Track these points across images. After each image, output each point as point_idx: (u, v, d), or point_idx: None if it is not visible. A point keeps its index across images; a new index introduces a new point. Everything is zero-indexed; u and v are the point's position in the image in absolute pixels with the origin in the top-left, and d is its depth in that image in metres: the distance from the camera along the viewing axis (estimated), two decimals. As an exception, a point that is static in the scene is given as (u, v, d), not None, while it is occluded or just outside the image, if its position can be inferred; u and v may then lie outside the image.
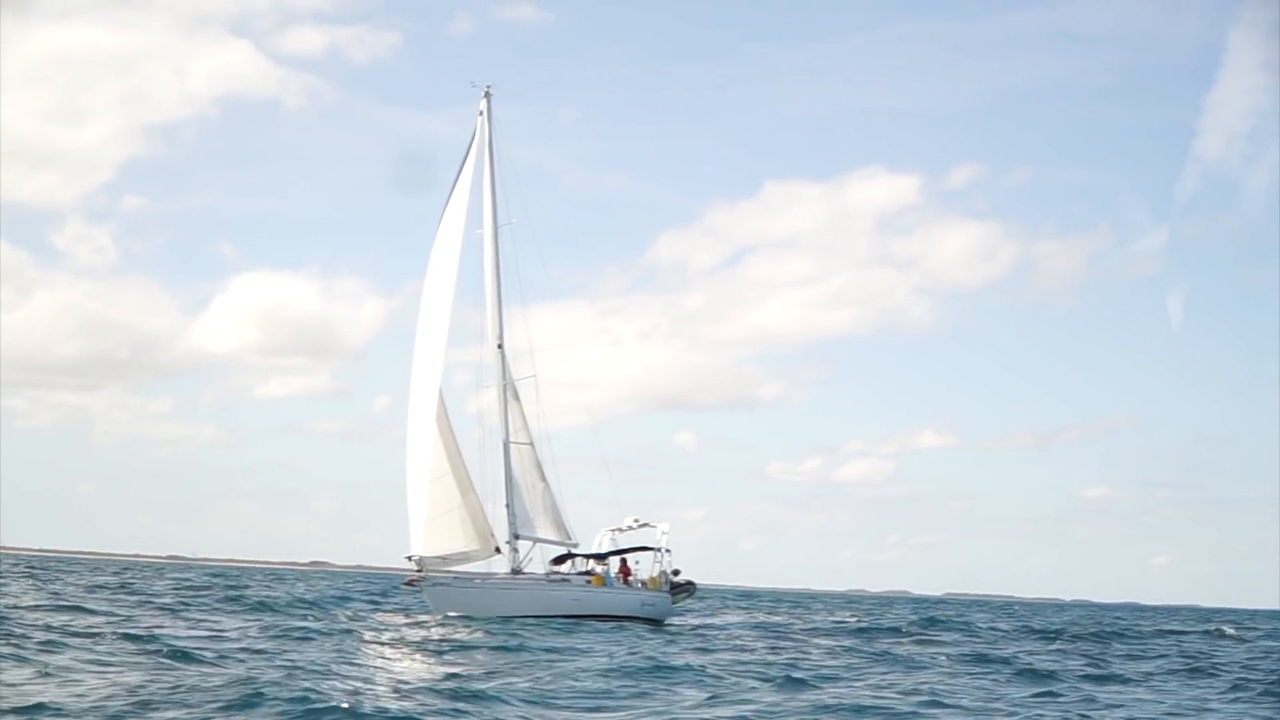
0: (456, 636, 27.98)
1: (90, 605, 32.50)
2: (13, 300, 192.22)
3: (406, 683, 17.45)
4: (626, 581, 40.79)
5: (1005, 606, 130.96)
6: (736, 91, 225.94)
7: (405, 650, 23.89)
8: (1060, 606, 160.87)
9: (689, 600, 43.94)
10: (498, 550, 39.82)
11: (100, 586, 49.90)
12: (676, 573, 41.59)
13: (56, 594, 38.99)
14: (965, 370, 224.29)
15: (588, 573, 40.35)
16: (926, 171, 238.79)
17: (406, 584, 39.16)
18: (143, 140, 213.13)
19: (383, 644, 24.88)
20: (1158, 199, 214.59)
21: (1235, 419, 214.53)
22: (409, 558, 38.13)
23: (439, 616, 36.56)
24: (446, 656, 22.75)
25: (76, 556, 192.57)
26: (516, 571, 39.94)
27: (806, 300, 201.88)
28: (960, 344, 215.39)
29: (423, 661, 21.82)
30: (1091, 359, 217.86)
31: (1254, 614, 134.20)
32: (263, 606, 37.56)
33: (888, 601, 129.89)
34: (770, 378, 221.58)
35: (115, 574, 76.88)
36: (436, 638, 27.49)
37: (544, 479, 41.21)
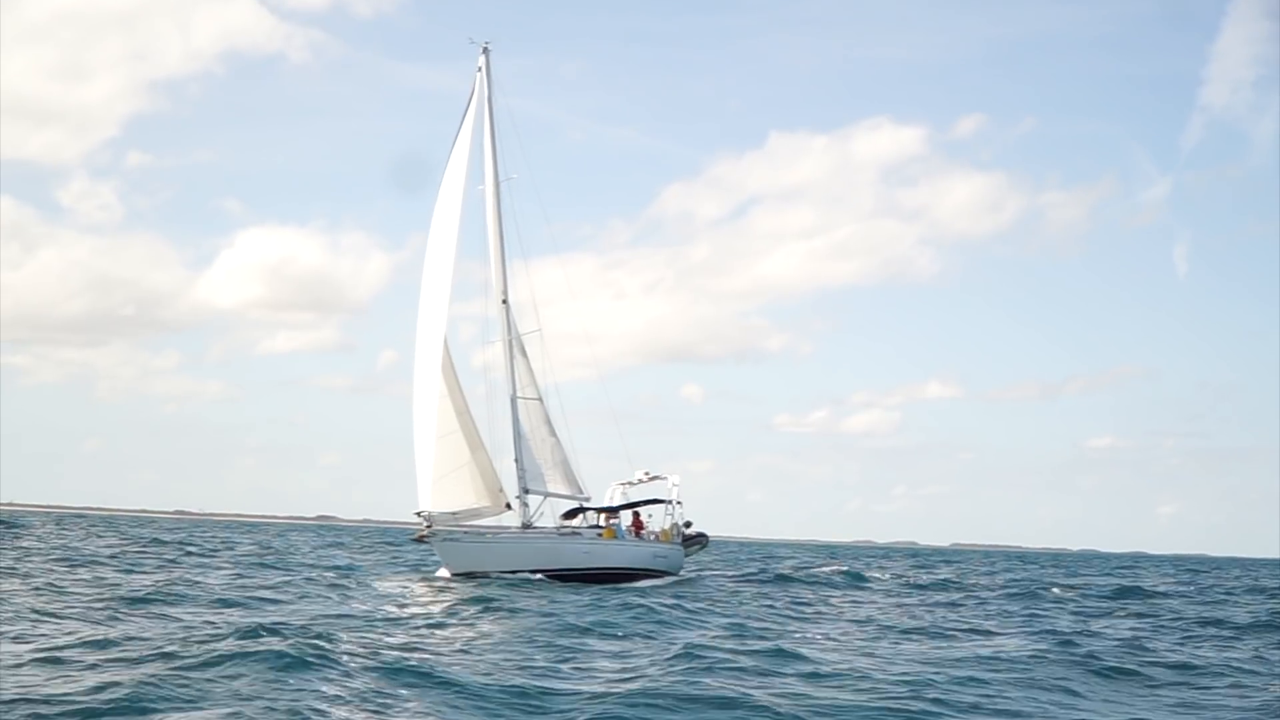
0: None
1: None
2: (18, 257, 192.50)
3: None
4: (639, 535, 40.85)
5: (1022, 556, 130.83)
6: (742, 43, 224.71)
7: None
8: (1088, 557, 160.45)
9: (701, 552, 44.07)
10: (508, 506, 39.80)
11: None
12: (689, 525, 41.68)
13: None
14: (971, 321, 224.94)
15: (598, 526, 40.41)
16: (932, 122, 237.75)
17: (416, 540, 39.18)
18: (147, 96, 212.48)
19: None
20: (1163, 149, 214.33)
21: (1241, 368, 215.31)
22: (419, 513, 38.07)
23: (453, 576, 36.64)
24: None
25: (83, 512, 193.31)
26: (527, 526, 39.97)
27: (812, 251, 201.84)
28: (966, 294, 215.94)
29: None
30: (1097, 309, 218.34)
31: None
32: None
33: (941, 555, 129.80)
34: (776, 329, 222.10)
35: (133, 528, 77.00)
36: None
37: (553, 434, 41.15)
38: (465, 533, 38.85)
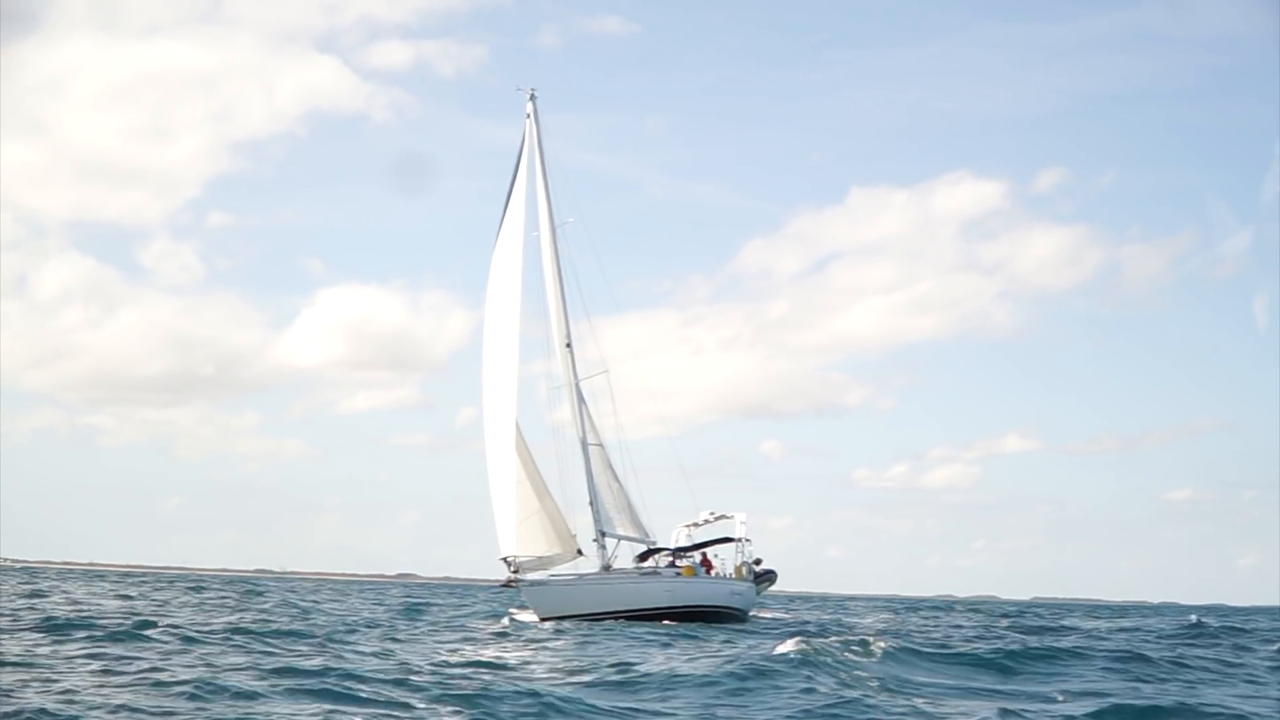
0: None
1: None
2: (100, 318, 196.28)
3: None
4: (709, 573, 40.91)
5: (1108, 608, 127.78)
6: (821, 99, 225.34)
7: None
8: (1169, 610, 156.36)
9: (770, 587, 44.02)
10: (579, 553, 40.08)
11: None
12: (758, 562, 41.76)
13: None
14: (1049, 375, 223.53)
15: (676, 566, 40.47)
16: (1012, 176, 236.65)
17: (503, 585, 39.37)
18: (229, 157, 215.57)
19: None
20: (1243, 200, 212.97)
21: None
22: (504, 559, 38.30)
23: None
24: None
25: (164, 572, 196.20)
26: (607, 568, 40.17)
27: (891, 306, 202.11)
28: (1044, 348, 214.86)
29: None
30: (1176, 362, 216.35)
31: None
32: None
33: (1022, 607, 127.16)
34: (855, 384, 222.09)
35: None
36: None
37: (616, 479, 41.40)
38: (551, 576, 39.18)
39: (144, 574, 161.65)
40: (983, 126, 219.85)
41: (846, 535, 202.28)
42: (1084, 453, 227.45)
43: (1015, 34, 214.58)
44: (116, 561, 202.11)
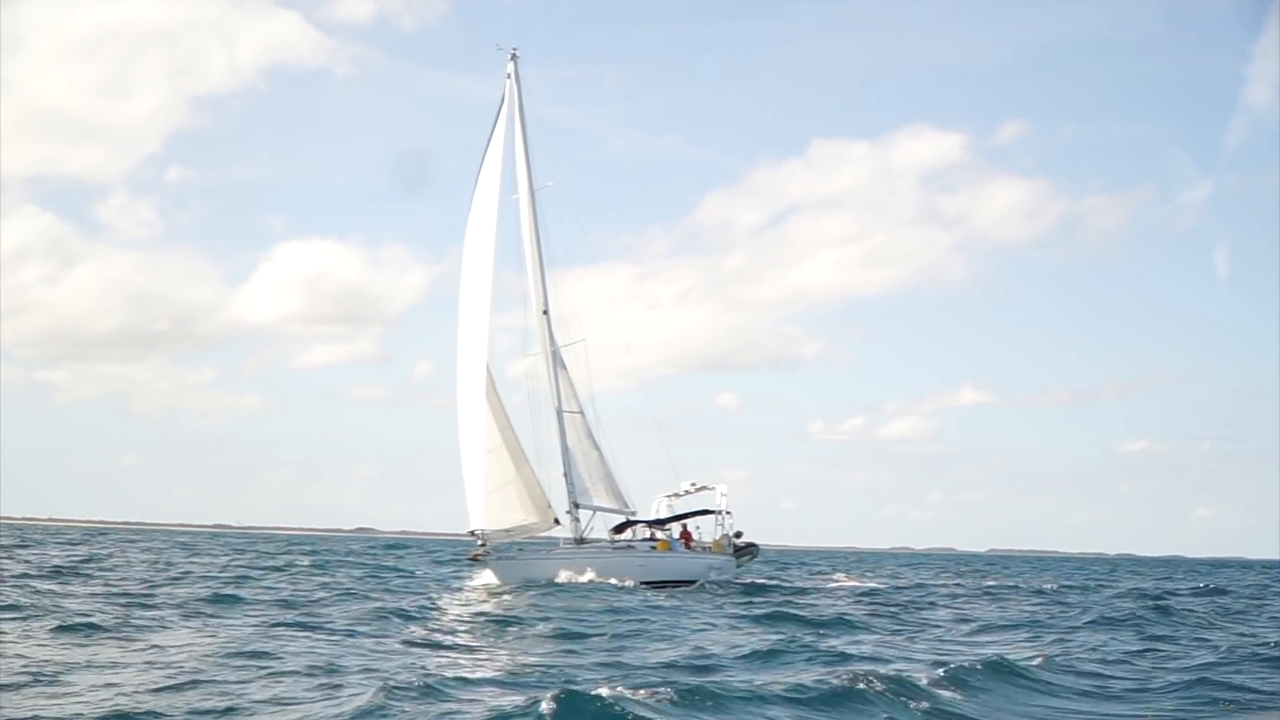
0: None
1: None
2: (57, 274, 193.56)
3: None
4: (689, 547, 40.25)
5: (1065, 561, 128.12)
6: (782, 50, 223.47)
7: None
8: (1126, 562, 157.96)
9: (752, 562, 43.40)
10: (557, 521, 39.33)
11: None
12: (739, 535, 41.12)
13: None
14: (1005, 327, 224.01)
15: (652, 539, 39.82)
16: (973, 128, 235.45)
17: (471, 559, 38.74)
18: (189, 112, 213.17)
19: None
20: (1204, 151, 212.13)
21: (1277, 371, 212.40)
22: (472, 532, 37.58)
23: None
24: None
25: (121, 528, 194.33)
26: (581, 540, 39.44)
27: (845, 259, 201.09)
28: (1002, 300, 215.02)
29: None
30: (1134, 314, 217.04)
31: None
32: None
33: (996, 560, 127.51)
34: (810, 337, 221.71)
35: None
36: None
37: (596, 447, 40.68)
38: (520, 550, 38.38)
39: (107, 529, 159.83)
40: (944, 78, 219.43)
41: (801, 488, 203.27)
42: (1039, 405, 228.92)
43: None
44: (75, 517, 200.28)
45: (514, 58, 41.23)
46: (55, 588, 28.94)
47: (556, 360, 40.78)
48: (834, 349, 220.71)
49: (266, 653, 17.12)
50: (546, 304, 41.08)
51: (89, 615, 21.38)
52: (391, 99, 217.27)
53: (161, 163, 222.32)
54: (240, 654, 16.89)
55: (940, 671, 15.48)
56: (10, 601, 23.43)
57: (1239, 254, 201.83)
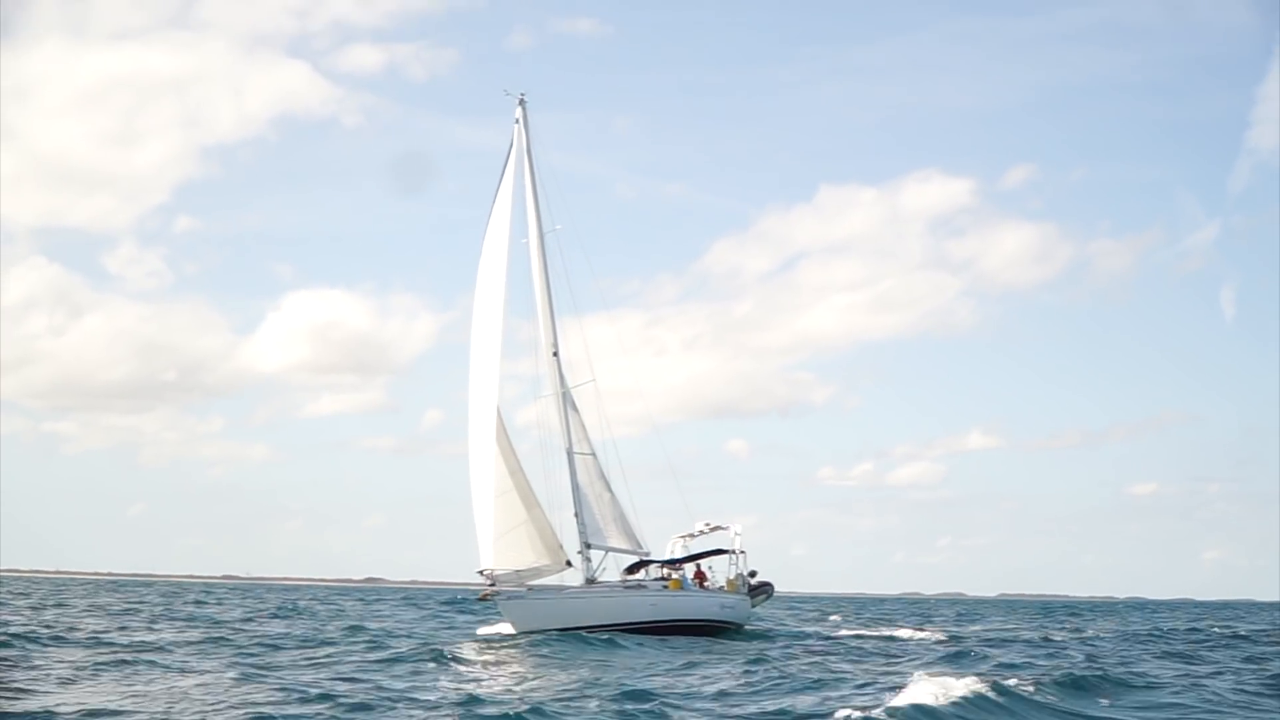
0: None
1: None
2: (65, 324, 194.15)
3: None
4: (703, 586, 40.10)
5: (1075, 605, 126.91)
6: (790, 96, 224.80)
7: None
8: (1137, 605, 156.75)
9: (766, 601, 43.21)
10: (568, 563, 39.15)
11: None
12: (753, 574, 40.92)
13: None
14: (1012, 371, 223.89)
15: (663, 579, 39.69)
16: (981, 173, 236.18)
17: (480, 599, 38.50)
18: (198, 162, 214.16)
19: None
20: (1211, 193, 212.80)
21: None
22: (481, 572, 37.47)
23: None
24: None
25: (130, 579, 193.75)
26: (591, 581, 39.30)
27: (854, 305, 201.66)
28: (1010, 345, 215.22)
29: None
30: (1142, 356, 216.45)
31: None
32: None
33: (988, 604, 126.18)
34: (819, 383, 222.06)
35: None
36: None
37: (609, 488, 40.53)
38: (530, 590, 38.23)
39: (117, 581, 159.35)
40: (952, 123, 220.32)
41: (812, 533, 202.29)
42: (1048, 448, 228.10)
43: (984, 28, 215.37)
44: (83, 569, 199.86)
45: (522, 103, 41.50)
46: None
47: (567, 401, 40.78)
48: (843, 394, 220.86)
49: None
50: (556, 345, 41.17)
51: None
52: (401, 148, 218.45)
53: (170, 212, 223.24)
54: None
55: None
56: None
57: (1245, 294, 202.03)
